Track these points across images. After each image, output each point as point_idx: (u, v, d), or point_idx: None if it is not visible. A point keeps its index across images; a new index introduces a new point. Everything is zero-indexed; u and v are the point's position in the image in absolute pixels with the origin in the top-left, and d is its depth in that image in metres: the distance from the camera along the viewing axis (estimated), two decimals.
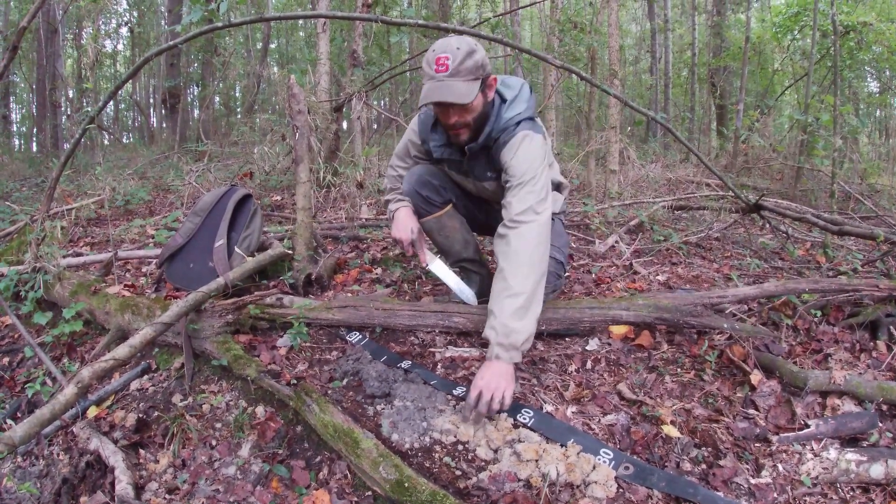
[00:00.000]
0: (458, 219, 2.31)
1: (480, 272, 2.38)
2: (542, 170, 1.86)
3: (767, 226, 3.79)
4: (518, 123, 1.90)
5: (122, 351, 1.78)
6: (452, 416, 1.70)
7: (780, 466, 1.56)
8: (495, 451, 1.58)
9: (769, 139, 7.50)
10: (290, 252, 2.67)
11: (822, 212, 3.83)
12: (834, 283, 2.04)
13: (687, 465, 1.56)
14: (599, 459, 1.53)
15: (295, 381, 1.89)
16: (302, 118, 2.63)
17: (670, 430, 1.61)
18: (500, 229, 1.84)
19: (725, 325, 1.97)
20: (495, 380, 1.62)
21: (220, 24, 2.66)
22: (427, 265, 2.19)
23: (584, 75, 3.12)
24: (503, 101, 1.93)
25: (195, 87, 12.88)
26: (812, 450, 1.61)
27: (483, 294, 2.38)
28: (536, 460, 1.51)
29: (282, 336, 2.20)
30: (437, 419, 1.69)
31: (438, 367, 2.01)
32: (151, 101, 17.08)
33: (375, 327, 2.18)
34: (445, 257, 2.40)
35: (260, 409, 1.85)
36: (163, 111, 11.93)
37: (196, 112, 12.94)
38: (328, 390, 1.91)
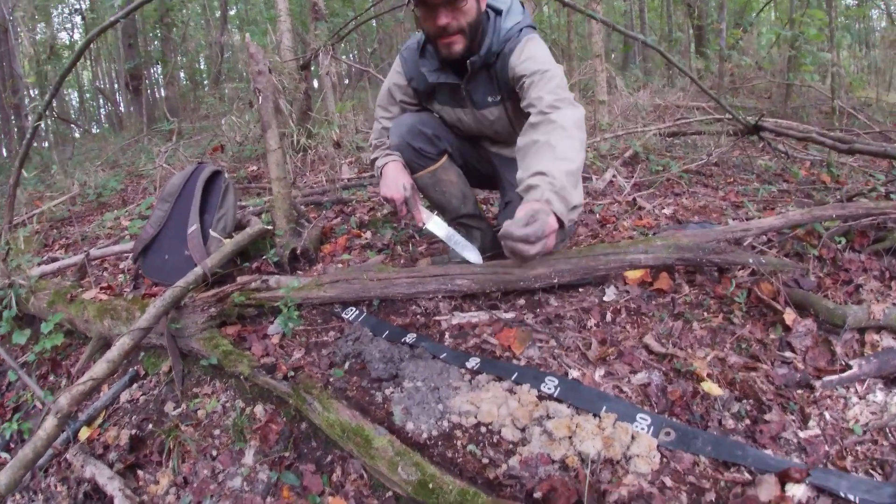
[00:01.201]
0: (455, 171, 2.08)
1: (481, 227, 2.18)
2: (557, 67, 1.73)
3: (767, 147, 3.58)
4: (521, 31, 1.76)
5: (99, 368, 1.58)
6: (470, 393, 1.53)
7: (826, 415, 1.41)
8: (522, 431, 1.42)
9: (753, 57, 7.15)
10: (270, 228, 2.45)
11: (818, 129, 3.58)
12: (860, 208, 1.85)
13: (730, 422, 1.41)
14: (637, 427, 1.37)
15: (293, 373, 1.70)
16: (264, 80, 2.34)
17: (710, 388, 1.45)
18: (535, 118, 1.65)
19: (751, 261, 1.78)
20: (547, 224, 1.42)
21: None
22: (424, 224, 1.97)
23: (566, 1, 2.80)
24: (497, 13, 1.79)
25: (158, 66, 12.16)
26: (857, 392, 1.46)
27: (485, 250, 2.19)
28: (570, 437, 1.35)
29: (272, 322, 2.00)
30: (454, 399, 1.52)
31: (446, 336, 1.83)
32: (115, 86, 16.21)
33: (372, 300, 1.98)
34: (442, 214, 2.19)
35: (259, 409, 1.68)
36: (128, 95, 11.27)
37: (163, 91, 12.26)
38: (329, 378, 1.73)
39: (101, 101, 17.54)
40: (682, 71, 2.97)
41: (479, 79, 1.84)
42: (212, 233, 2.36)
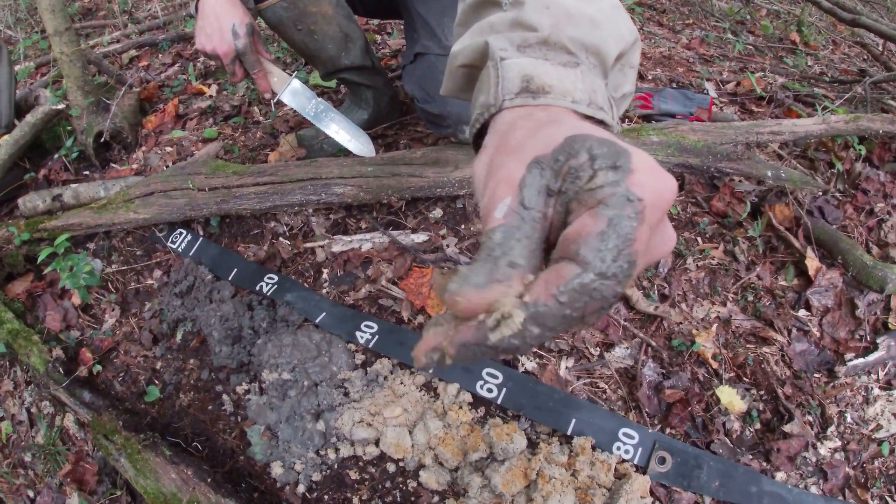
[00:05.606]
0: None
1: (375, 84, 1.29)
2: None
3: None
4: None
5: None
6: (367, 399, 0.89)
7: (847, 415, 1.00)
8: (453, 474, 0.84)
9: None
10: (61, 107, 1.38)
11: None
12: None
13: (735, 426, 0.95)
14: (620, 451, 0.86)
15: (100, 368, 0.95)
16: None
17: (731, 403, 0.93)
18: None
19: (769, 174, 1.20)
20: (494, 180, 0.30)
21: None
22: (277, 96, 1.07)
23: None
24: None
25: None
26: (878, 381, 1.06)
27: (381, 118, 1.36)
28: (527, 486, 0.80)
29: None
30: (343, 412, 0.88)
31: (323, 276, 1.11)
32: None
33: (209, 218, 1.13)
34: (313, 66, 1.26)
35: (70, 420, 0.96)
36: None
37: None
38: (156, 366, 0.98)
39: None
40: None
41: None
42: None
